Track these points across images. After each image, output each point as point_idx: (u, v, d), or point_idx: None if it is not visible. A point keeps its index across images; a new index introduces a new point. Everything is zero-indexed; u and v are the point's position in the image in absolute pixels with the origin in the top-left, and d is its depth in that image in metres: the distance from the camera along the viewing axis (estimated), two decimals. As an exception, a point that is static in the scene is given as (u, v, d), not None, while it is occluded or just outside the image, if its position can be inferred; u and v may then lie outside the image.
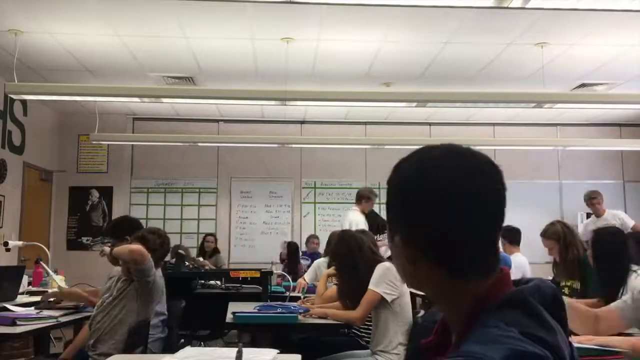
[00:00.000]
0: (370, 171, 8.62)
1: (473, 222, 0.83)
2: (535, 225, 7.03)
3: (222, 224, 8.61)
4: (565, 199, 8.79)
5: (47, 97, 6.13)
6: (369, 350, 3.25)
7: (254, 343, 3.59)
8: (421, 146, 0.91)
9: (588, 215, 8.46)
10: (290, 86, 5.81)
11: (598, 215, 6.58)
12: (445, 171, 0.85)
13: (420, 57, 5.89)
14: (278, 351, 2.22)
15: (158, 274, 3.15)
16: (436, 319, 0.92)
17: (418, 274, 0.86)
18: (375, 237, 4.06)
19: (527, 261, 5.21)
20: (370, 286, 3.14)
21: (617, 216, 6.50)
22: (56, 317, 3.22)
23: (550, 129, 8.91)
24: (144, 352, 3.05)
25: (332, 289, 3.82)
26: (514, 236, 5.29)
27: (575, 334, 2.02)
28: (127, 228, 3.56)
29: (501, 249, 4.75)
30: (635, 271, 3.10)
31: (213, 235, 7.86)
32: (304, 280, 5.14)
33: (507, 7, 3.40)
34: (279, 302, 4.03)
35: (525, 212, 8.04)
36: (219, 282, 5.30)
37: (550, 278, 4.00)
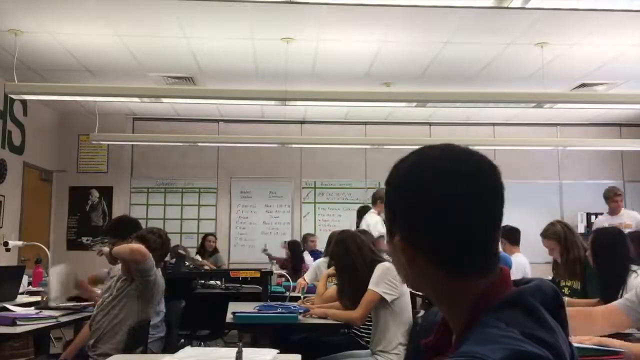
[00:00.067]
0: (370, 171, 8.62)
1: (472, 221, 0.83)
2: (535, 225, 7.03)
3: (222, 224, 8.61)
4: (565, 199, 8.79)
5: (47, 97, 6.14)
6: (369, 350, 3.25)
7: (254, 343, 3.59)
8: (420, 146, 0.91)
9: (588, 215, 8.49)
10: (290, 86, 5.81)
11: (615, 213, 6.49)
12: (444, 171, 0.85)
13: (420, 57, 5.89)
14: (278, 351, 2.22)
15: (158, 274, 3.15)
16: (436, 319, 0.93)
17: (418, 275, 0.86)
18: None
19: (528, 261, 5.20)
20: (370, 286, 3.14)
21: (633, 216, 6.42)
22: (56, 317, 3.22)
23: (550, 129, 8.91)
24: (144, 352, 3.05)
25: (332, 289, 3.82)
26: (514, 236, 5.29)
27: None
28: (128, 227, 3.56)
29: (501, 249, 4.77)
30: (635, 271, 3.11)
31: (214, 235, 7.87)
32: (304, 280, 5.14)
33: (507, 7, 3.39)
34: (279, 302, 4.03)
35: (525, 212, 8.05)
36: (219, 282, 5.29)
37: (549, 278, 4.00)
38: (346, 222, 7.84)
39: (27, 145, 7.46)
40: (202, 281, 5.33)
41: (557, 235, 3.77)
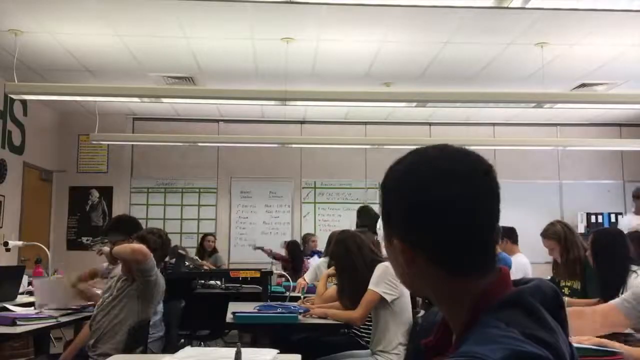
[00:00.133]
0: (370, 171, 8.62)
1: (472, 221, 0.84)
2: (535, 225, 7.04)
3: (222, 224, 8.61)
4: (565, 199, 8.79)
5: (47, 97, 6.14)
6: (369, 350, 3.25)
7: (254, 343, 3.58)
8: (416, 147, 0.91)
9: (588, 216, 8.49)
10: (290, 86, 5.81)
11: None
12: (443, 171, 0.85)
13: (420, 57, 5.89)
14: (278, 351, 2.22)
15: (159, 274, 3.15)
16: (436, 319, 0.92)
17: (417, 275, 0.86)
18: None
19: (529, 262, 5.20)
20: (370, 286, 3.14)
21: None
22: (56, 317, 3.22)
23: (550, 129, 8.91)
24: (144, 352, 3.05)
25: (332, 289, 3.82)
26: (514, 235, 5.28)
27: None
28: (128, 226, 3.57)
29: (503, 249, 4.76)
30: (635, 271, 3.11)
31: (213, 235, 7.86)
32: (304, 280, 5.14)
33: (507, 7, 3.39)
34: (279, 302, 4.03)
35: (525, 212, 8.05)
36: (219, 282, 5.29)
37: (548, 278, 4.00)
38: (346, 222, 7.84)
39: (27, 145, 7.46)
40: (202, 281, 5.33)
41: (557, 235, 3.77)
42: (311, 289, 4.80)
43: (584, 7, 3.96)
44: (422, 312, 3.63)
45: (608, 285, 3.15)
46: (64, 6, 4.71)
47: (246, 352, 1.98)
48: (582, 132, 8.73)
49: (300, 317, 3.33)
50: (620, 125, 8.93)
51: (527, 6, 3.35)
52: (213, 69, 6.25)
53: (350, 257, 3.39)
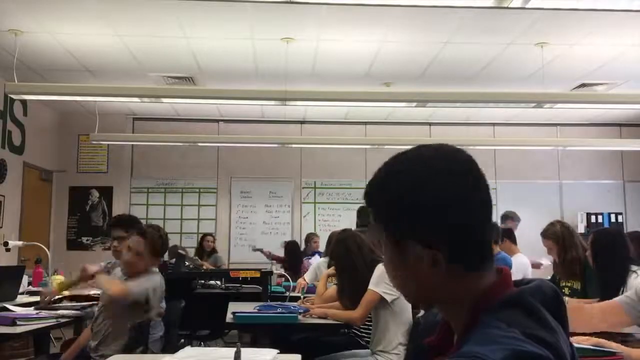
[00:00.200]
0: (370, 171, 8.52)
1: (473, 220, 0.85)
2: (535, 225, 7.04)
3: (222, 224, 8.61)
4: (565, 199, 8.79)
5: (47, 97, 6.14)
6: (368, 350, 3.25)
7: (254, 343, 3.58)
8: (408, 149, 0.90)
9: (588, 216, 8.49)
10: (290, 86, 5.81)
11: None
12: (446, 171, 0.85)
13: (420, 57, 5.89)
14: (278, 351, 2.22)
15: (154, 279, 3.08)
16: (437, 319, 0.92)
17: (416, 276, 0.86)
18: None
19: (529, 262, 5.20)
20: (370, 286, 3.14)
21: None
22: (56, 317, 3.22)
23: (550, 129, 8.91)
24: (144, 352, 3.05)
25: (332, 288, 3.82)
26: (513, 235, 5.28)
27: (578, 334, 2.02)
28: (129, 222, 3.58)
29: (503, 249, 4.75)
30: (635, 271, 3.11)
31: (212, 235, 7.85)
32: (304, 280, 5.14)
33: (507, 7, 3.40)
34: (279, 302, 4.03)
35: (525, 212, 8.04)
36: (219, 282, 5.30)
37: (548, 278, 4.00)
38: (346, 222, 7.83)
39: (27, 145, 7.46)
40: (202, 281, 5.33)
41: (555, 235, 3.77)
42: (311, 289, 4.80)
43: (584, 7, 3.96)
44: (422, 312, 3.63)
45: (608, 285, 3.15)
46: (64, 6, 4.71)
47: (246, 352, 1.98)
48: (582, 132, 8.73)
49: (300, 317, 3.33)
50: (620, 125, 8.93)
51: (527, 6, 3.36)
52: (213, 69, 6.25)
53: (350, 257, 3.39)
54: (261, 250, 7.12)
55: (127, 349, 2.77)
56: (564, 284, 3.76)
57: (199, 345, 4.93)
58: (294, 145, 8.08)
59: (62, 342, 4.29)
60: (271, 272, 5.25)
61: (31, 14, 4.87)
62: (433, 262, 0.83)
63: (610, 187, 8.89)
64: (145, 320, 2.97)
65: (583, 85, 6.71)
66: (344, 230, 3.71)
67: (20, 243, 5.72)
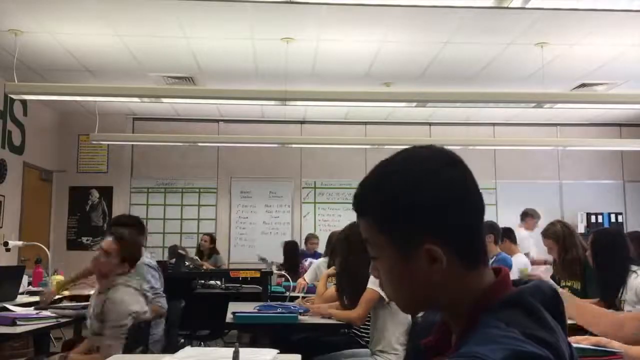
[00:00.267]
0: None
1: (473, 220, 0.85)
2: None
3: (222, 224, 8.61)
4: (565, 199, 8.80)
5: (47, 97, 6.14)
6: (368, 350, 3.25)
7: (254, 343, 3.59)
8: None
9: (588, 216, 8.49)
10: (290, 86, 5.81)
11: None
12: (441, 170, 0.86)
13: (420, 57, 5.89)
14: (278, 351, 2.22)
15: (131, 286, 2.91)
16: (435, 318, 0.92)
17: (413, 277, 0.85)
18: None
19: (529, 262, 5.20)
20: (369, 285, 3.14)
21: None
22: (56, 317, 3.22)
23: (550, 129, 8.91)
24: (144, 352, 3.05)
25: (332, 288, 3.81)
26: (513, 235, 5.28)
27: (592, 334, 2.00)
28: (131, 221, 3.59)
29: (502, 250, 4.75)
30: (635, 271, 3.10)
31: (209, 235, 7.79)
32: (304, 280, 5.14)
33: (507, 7, 3.39)
34: (279, 302, 4.03)
35: (525, 212, 8.04)
36: (219, 282, 5.30)
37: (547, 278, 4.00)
38: (346, 222, 7.80)
39: (27, 145, 7.46)
40: (202, 281, 5.34)
41: (556, 235, 3.77)
42: (311, 289, 4.80)
43: (584, 7, 3.96)
44: (421, 312, 3.63)
45: (608, 286, 3.15)
46: (64, 6, 4.71)
47: (246, 352, 1.98)
48: (582, 132, 8.73)
49: (300, 317, 3.33)
50: (620, 125, 8.93)
51: (527, 6, 3.35)
52: (213, 69, 6.25)
53: (353, 254, 3.36)
54: (265, 260, 7.08)
55: (127, 349, 2.77)
56: (564, 284, 3.76)
57: (199, 345, 4.93)
58: (294, 145, 8.08)
59: (62, 342, 4.29)
60: (271, 272, 5.25)
61: (31, 14, 4.87)
62: (431, 262, 0.82)
63: (610, 187, 8.89)
64: (144, 320, 2.96)
65: (583, 85, 6.71)
66: (351, 226, 3.58)
67: (20, 243, 5.72)
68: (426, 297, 0.86)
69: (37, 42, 5.47)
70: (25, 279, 4.66)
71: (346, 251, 3.40)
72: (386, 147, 7.55)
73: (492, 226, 4.73)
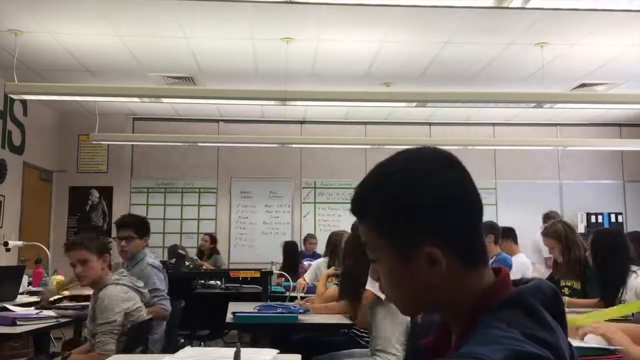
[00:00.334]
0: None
1: (471, 218, 0.86)
2: (535, 225, 7.06)
3: (222, 224, 8.61)
4: (565, 199, 8.79)
5: (47, 97, 6.14)
6: (368, 350, 3.25)
7: (254, 343, 3.58)
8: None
9: (588, 216, 8.49)
10: (290, 86, 5.81)
11: None
12: (440, 171, 0.86)
13: (420, 57, 5.89)
14: (278, 351, 2.22)
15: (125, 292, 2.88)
16: (435, 318, 0.92)
17: (414, 278, 0.84)
18: None
19: (530, 262, 5.20)
20: (367, 286, 3.13)
21: None
22: (56, 317, 3.22)
23: (550, 129, 8.91)
24: (144, 352, 3.04)
25: (332, 288, 3.81)
26: (514, 234, 5.27)
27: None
28: (138, 222, 3.60)
29: (502, 249, 4.75)
30: (635, 271, 3.11)
31: (209, 235, 7.81)
32: (304, 280, 5.14)
33: (507, 7, 3.39)
34: (279, 302, 4.03)
35: (525, 212, 8.05)
36: (219, 282, 5.30)
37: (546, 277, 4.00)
38: (346, 222, 7.83)
39: (27, 145, 7.46)
40: (202, 281, 5.33)
41: (557, 234, 3.76)
42: (311, 289, 4.80)
43: (584, 7, 3.96)
44: (421, 314, 3.63)
45: (608, 286, 3.16)
46: (64, 6, 4.71)
47: (246, 352, 1.98)
48: (582, 132, 8.73)
49: (300, 316, 3.33)
50: (620, 125, 8.93)
51: (527, 6, 3.35)
52: (213, 69, 6.25)
53: (362, 256, 3.36)
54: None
55: (127, 349, 2.77)
56: (564, 283, 3.76)
57: (199, 345, 4.93)
58: (294, 145, 8.08)
59: (62, 342, 4.29)
60: (271, 272, 5.25)
61: (31, 14, 4.87)
62: (432, 262, 0.82)
63: (610, 187, 8.89)
64: (144, 320, 2.96)
65: (583, 85, 6.71)
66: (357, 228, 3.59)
67: (20, 243, 5.72)
68: (426, 299, 0.86)
69: (37, 42, 5.47)
70: (25, 279, 4.66)
71: (357, 251, 3.41)
72: (386, 147, 7.55)
73: (492, 226, 4.73)
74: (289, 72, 6.08)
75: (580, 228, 8.22)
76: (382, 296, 3.08)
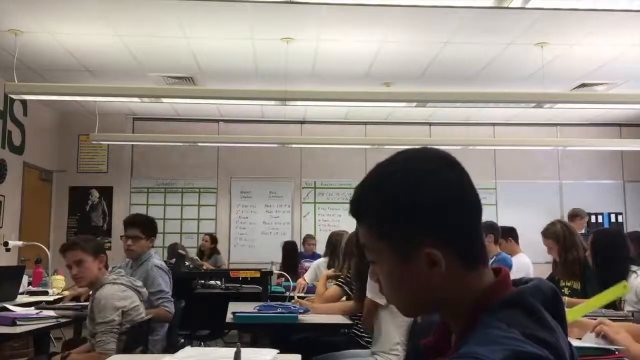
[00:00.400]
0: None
1: (471, 218, 0.86)
2: (535, 225, 7.04)
3: (222, 224, 8.61)
4: (565, 199, 8.79)
5: (47, 97, 6.14)
6: (368, 350, 3.25)
7: (254, 343, 3.58)
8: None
9: (588, 215, 8.49)
10: (290, 86, 5.81)
11: None
12: (440, 171, 0.86)
13: (420, 57, 5.89)
14: (278, 351, 2.22)
15: (129, 304, 2.87)
16: (436, 319, 0.91)
17: (414, 278, 0.84)
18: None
19: (531, 262, 5.19)
20: (367, 294, 3.13)
21: None
22: (56, 317, 3.22)
23: (550, 129, 8.91)
24: (144, 352, 3.04)
25: (332, 288, 3.81)
26: (516, 234, 5.27)
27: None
28: (146, 223, 3.61)
29: (503, 249, 4.74)
30: (635, 271, 3.11)
31: (209, 234, 7.81)
32: (304, 280, 5.14)
33: (507, 7, 3.39)
34: (279, 302, 4.03)
35: (525, 212, 8.06)
36: (219, 282, 5.30)
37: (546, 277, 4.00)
38: (346, 222, 7.83)
39: (27, 145, 7.46)
40: (202, 281, 5.33)
41: (556, 235, 3.77)
42: (311, 289, 4.80)
43: (584, 7, 3.96)
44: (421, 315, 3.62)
45: (608, 286, 3.14)
46: (64, 6, 4.71)
47: (246, 352, 1.98)
48: (582, 132, 8.73)
49: (300, 316, 3.33)
50: (620, 125, 8.93)
51: (527, 6, 3.35)
52: (213, 69, 6.25)
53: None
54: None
55: (127, 349, 2.77)
56: (563, 283, 3.76)
57: (199, 345, 4.93)
58: (294, 145, 8.08)
59: (62, 342, 4.29)
60: (271, 272, 5.25)
61: (31, 14, 4.87)
62: (432, 262, 0.82)
63: (610, 187, 8.89)
64: (144, 320, 2.96)
65: (583, 85, 6.71)
66: None
67: (20, 243, 5.72)
68: (427, 299, 0.86)
69: (37, 42, 5.47)
70: (25, 279, 4.66)
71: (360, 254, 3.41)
72: (386, 147, 7.55)
73: (492, 226, 4.73)
74: (289, 72, 6.08)
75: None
76: (382, 302, 3.07)
